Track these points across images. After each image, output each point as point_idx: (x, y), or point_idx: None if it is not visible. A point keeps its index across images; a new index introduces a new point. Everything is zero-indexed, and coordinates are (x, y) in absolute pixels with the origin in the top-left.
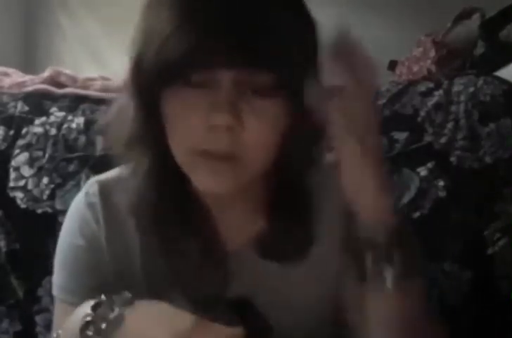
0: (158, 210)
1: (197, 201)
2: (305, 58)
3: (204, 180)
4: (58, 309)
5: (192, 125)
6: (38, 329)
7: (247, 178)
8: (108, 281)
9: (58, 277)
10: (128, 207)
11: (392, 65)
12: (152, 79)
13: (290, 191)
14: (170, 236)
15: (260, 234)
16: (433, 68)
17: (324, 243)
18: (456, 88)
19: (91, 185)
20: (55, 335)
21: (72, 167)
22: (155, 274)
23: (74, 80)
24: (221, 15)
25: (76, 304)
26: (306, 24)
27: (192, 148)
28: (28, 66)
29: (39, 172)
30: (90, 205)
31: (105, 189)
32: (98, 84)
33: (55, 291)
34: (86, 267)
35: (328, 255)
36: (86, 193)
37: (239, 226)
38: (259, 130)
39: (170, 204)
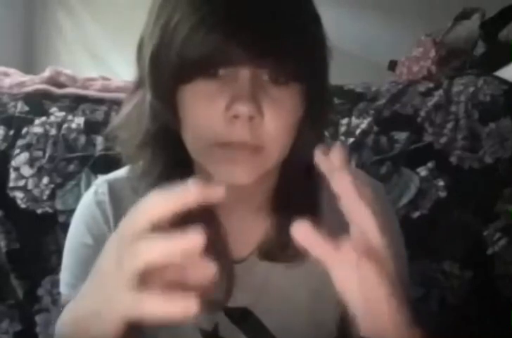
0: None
1: (206, 205)
2: (318, 48)
3: (225, 171)
4: (64, 306)
5: (213, 118)
6: (38, 329)
7: (268, 168)
8: None
9: (66, 275)
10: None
11: (392, 65)
12: (173, 74)
13: (295, 193)
14: None
15: (264, 237)
16: (433, 68)
17: None
18: (456, 88)
19: (100, 184)
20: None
21: (72, 167)
22: None
23: (74, 80)
24: (240, 8)
25: None
26: (315, 16)
27: (213, 141)
28: (28, 66)
29: (39, 172)
30: (99, 204)
31: (114, 189)
32: (98, 84)
33: (62, 289)
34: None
35: None
36: (95, 192)
37: (244, 230)
38: (278, 118)
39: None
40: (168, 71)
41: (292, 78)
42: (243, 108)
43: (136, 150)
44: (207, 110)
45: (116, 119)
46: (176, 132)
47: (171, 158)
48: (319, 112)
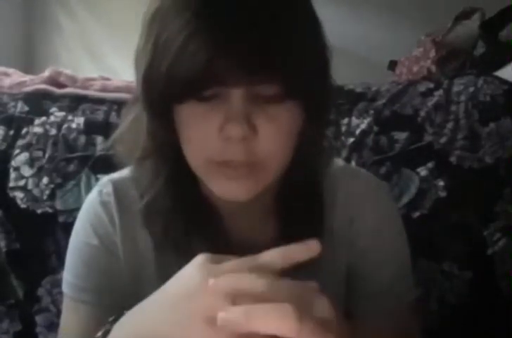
0: (171, 219)
1: (209, 209)
2: (316, 64)
3: (224, 188)
4: (67, 307)
5: (207, 138)
6: (38, 329)
7: (268, 183)
8: (122, 280)
9: (70, 275)
10: (140, 214)
11: (392, 65)
12: (164, 95)
13: (299, 196)
14: (182, 246)
15: (269, 242)
16: (433, 68)
17: (330, 247)
18: (456, 88)
19: (104, 184)
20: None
21: (72, 167)
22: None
23: (74, 80)
24: (230, 28)
25: (87, 302)
26: (316, 28)
27: (209, 160)
28: (28, 66)
29: (39, 172)
30: (104, 205)
31: (119, 189)
32: (98, 84)
33: (65, 289)
34: (100, 267)
35: (335, 261)
36: (100, 192)
37: (249, 234)
38: (274, 136)
39: (184, 213)
40: (160, 91)
41: (289, 96)
42: (236, 130)
43: (137, 163)
44: (201, 131)
45: (115, 133)
46: (175, 146)
47: (173, 170)
48: (319, 116)
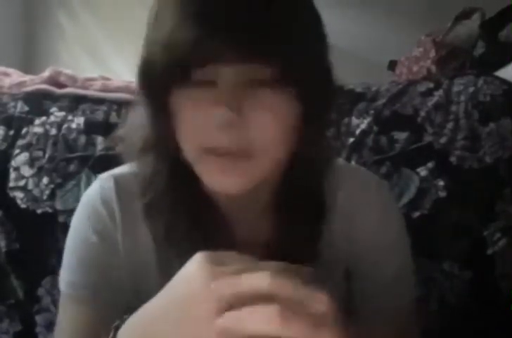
0: (172, 216)
1: (211, 205)
2: (310, 49)
3: (215, 180)
4: (64, 305)
5: (201, 124)
6: (38, 329)
7: (260, 176)
8: (121, 277)
9: (67, 272)
10: (141, 210)
11: (392, 65)
12: (159, 79)
13: (299, 195)
14: (184, 242)
15: (270, 240)
16: (433, 68)
17: (330, 247)
18: (456, 88)
19: (105, 180)
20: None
21: (72, 167)
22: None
23: (74, 80)
24: (219, 10)
25: (84, 299)
26: (311, 15)
27: (201, 147)
28: (28, 66)
29: (39, 172)
30: (105, 201)
31: (120, 184)
32: (98, 84)
33: (63, 287)
34: (98, 263)
35: (335, 260)
36: (101, 187)
37: (250, 232)
38: (265, 124)
39: (185, 210)
40: (155, 76)
41: (280, 79)
42: (220, 115)
43: (138, 158)
44: (195, 117)
45: (119, 130)
46: (175, 141)
47: (173, 166)
48: (319, 115)
